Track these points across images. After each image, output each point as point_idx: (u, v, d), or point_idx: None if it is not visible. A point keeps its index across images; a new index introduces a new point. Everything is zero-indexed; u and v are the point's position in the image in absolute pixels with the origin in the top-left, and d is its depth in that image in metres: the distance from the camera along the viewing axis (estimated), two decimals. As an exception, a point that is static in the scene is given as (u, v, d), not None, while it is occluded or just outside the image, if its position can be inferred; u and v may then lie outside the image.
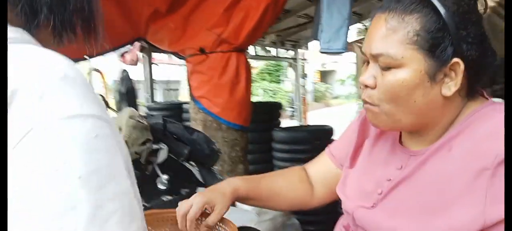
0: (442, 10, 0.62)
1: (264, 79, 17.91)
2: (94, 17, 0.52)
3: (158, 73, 4.14)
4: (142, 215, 0.42)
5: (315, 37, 2.03)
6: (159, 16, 2.23)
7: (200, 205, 0.79)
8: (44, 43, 0.49)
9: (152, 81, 3.80)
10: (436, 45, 0.62)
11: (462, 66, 0.62)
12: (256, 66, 17.09)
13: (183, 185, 1.61)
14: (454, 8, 0.62)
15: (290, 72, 6.40)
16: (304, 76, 6.99)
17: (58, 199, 0.34)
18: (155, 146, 1.38)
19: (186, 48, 2.28)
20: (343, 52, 1.95)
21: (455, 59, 0.62)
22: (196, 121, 2.36)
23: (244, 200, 0.90)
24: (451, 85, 0.64)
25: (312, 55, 10.12)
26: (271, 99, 15.59)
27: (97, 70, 4.22)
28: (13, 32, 0.41)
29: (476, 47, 0.63)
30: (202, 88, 2.26)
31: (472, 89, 0.68)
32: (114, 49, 2.48)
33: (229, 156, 2.36)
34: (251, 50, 5.50)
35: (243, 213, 1.96)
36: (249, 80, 2.34)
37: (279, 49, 5.62)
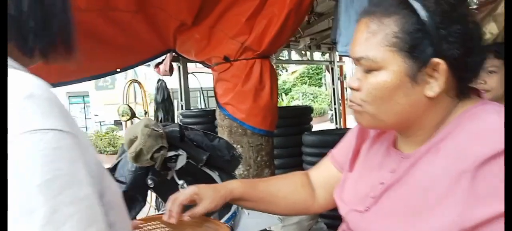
0: (420, 10, 0.61)
1: (304, 83, 17.81)
2: (72, 37, 0.58)
3: (202, 81, 4.29)
4: (104, 220, 0.47)
5: (334, 40, 2.02)
6: (185, 28, 2.34)
7: (188, 193, 0.85)
8: (31, 61, 0.56)
9: (187, 89, 3.95)
10: (415, 46, 0.62)
11: (443, 66, 0.62)
12: (295, 70, 17.05)
13: (204, 190, 1.68)
14: (433, 8, 0.62)
15: (328, 76, 6.32)
16: (345, 78, 6.89)
17: (18, 204, 0.40)
18: (171, 153, 1.45)
19: (212, 57, 2.36)
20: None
21: (436, 59, 0.62)
22: (222, 127, 2.43)
23: (240, 201, 0.93)
24: (435, 85, 0.63)
25: (352, 56, 9.91)
26: (311, 103, 15.47)
27: (136, 81, 4.48)
28: None
29: (458, 46, 0.61)
30: (227, 95, 2.33)
31: (462, 89, 0.67)
32: (145, 61, 2.62)
33: (255, 161, 2.41)
34: (285, 54, 5.54)
35: (265, 217, 1.99)
36: (274, 86, 2.37)
37: (315, 53, 5.59)
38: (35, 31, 0.52)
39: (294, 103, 15.26)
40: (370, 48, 0.65)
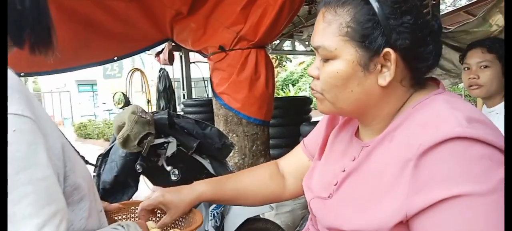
0: (372, 1, 0.63)
1: (311, 74, 17.67)
2: (52, 32, 0.62)
3: (205, 70, 4.30)
4: (63, 200, 0.50)
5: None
6: (181, 17, 2.36)
7: (153, 203, 0.88)
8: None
9: (188, 79, 3.98)
10: (366, 36, 0.63)
11: (393, 55, 0.63)
12: (303, 61, 16.93)
13: (195, 177, 1.70)
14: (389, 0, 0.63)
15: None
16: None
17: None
18: (160, 140, 1.48)
19: (208, 47, 2.38)
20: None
21: (387, 49, 0.63)
22: (218, 116, 2.46)
23: (211, 201, 0.95)
24: (387, 75, 0.64)
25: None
26: (318, 94, 15.35)
27: (139, 70, 4.51)
28: None
29: (407, 36, 0.62)
30: (222, 85, 2.35)
31: (417, 79, 0.68)
32: (143, 49, 2.65)
33: (250, 150, 2.44)
34: (288, 45, 5.52)
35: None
36: (269, 76, 2.38)
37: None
38: (32, 26, 0.56)
39: (301, 94, 15.20)
40: (326, 37, 0.66)
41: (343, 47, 0.65)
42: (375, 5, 0.62)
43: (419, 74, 0.68)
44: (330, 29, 0.66)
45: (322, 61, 0.69)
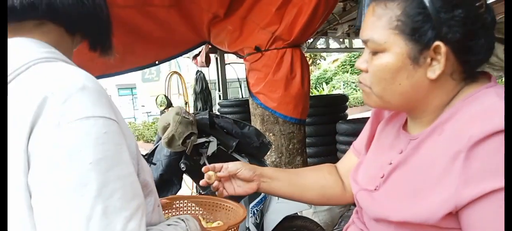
0: None
1: (346, 71, 17.41)
2: (110, 33, 0.67)
3: (240, 71, 4.37)
4: (142, 195, 0.55)
5: (358, 26, 2.00)
6: (218, 20, 2.42)
7: (235, 168, 0.94)
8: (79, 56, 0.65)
9: (224, 80, 4.07)
10: (416, 29, 0.64)
11: (443, 48, 0.63)
12: (337, 58, 16.68)
13: (235, 175, 1.76)
14: None
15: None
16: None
17: (73, 178, 0.47)
18: (202, 140, 1.55)
19: (244, 48, 2.43)
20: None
21: (437, 42, 0.63)
22: (255, 116, 2.50)
23: (269, 180, 0.96)
24: (436, 68, 0.65)
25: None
26: (353, 92, 15.09)
27: (176, 72, 4.66)
28: (49, 53, 0.57)
29: (458, 29, 0.63)
30: (258, 85, 2.39)
31: (468, 73, 0.68)
32: (182, 53, 2.75)
33: (287, 148, 2.46)
34: (322, 43, 5.47)
35: (296, 203, 2.05)
36: (305, 74, 2.39)
37: (355, 40, 5.47)
38: (87, 26, 0.62)
39: (335, 92, 15.00)
40: (375, 31, 0.68)
41: (393, 40, 0.66)
42: (430, 1, 0.63)
43: (470, 68, 0.68)
44: (380, 23, 0.68)
45: (371, 54, 0.70)
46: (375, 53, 0.69)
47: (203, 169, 0.95)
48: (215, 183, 0.94)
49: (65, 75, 0.53)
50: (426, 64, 0.65)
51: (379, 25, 0.67)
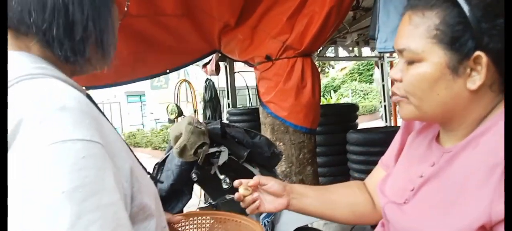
0: (462, 3, 0.62)
1: (354, 80, 17.35)
2: (104, 44, 0.60)
3: (249, 79, 4.36)
4: (130, 225, 0.50)
5: (372, 36, 1.99)
6: (229, 29, 2.43)
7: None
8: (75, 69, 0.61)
9: (233, 88, 4.07)
10: (456, 39, 0.63)
11: (484, 59, 0.62)
12: (345, 66, 16.65)
13: (245, 185, 1.75)
14: (476, 1, 0.62)
15: (377, 72, 6.13)
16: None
17: (44, 209, 0.42)
18: (213, 149, 1.54)
19: (254, 57, 2.43)
20: (401, 52, 1.86)
21: (477, 52, 0.62)
22: (265, 125, 2.49)
23: (299, 196, 0.93)
24: (476, 79, 0.63)
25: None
26: (362, 100, 15.02)
27: (186, 81, 4.68)
28: (38, 68, 0.53)
29: (500, 39, 0.61)
30: (269, 94, 2.38)
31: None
32: (193, 61, 2.76)
33: (297, 158, 2.44)
34: (331, 51, 5.46)
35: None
36: (315, 84, 2.38)
37: (364, 48, 5.45)
38: (59, 39, 0.55)
39: (343, 100, 14.95)
40: (412, 40, 0.66)
41: (431, 50, 0.65)
42: (466, 8, 0.62)
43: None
44: (417, 32, 0.66)
45: (406, 64, 0.69)
46: (411, 62, 0.68)
47: (236, 182, 0.93)
48: (249, 197, 0.91)
49: (45, 94, 0.49)
50: (465, 74, 0.64)
51: (417, 34, 0.66)
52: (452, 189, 0.65)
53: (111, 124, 0.68)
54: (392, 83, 0.75)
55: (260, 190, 0.93)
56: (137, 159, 0.70)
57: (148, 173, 0.83)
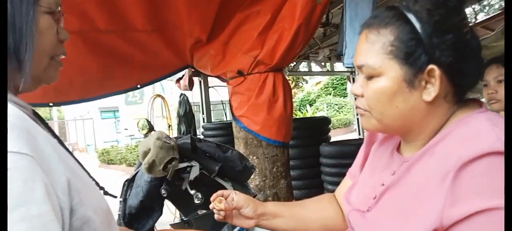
0: (414, 21, 0.67)
1: (328, 94, 17.68)
2: (19, 56, 0.59)
3: (224, 94, 4.35)
4: None
5: (340, 52, 2.06)
6: (200, 45, 2.45)
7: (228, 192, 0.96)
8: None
9: (208, 103, 4.07)
10: (410, 54, 0.67)
11: (437, 71, 0.66)
12: (320, 81, 16.95)
13: (217, 200, 1.74)
14: (426, 18, 0.66)
15: (350, 85, 6.27)
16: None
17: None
18: (184, 164, 1.53)
19: (226, 72, 2.45)
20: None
21: (431, 66, 0.66)
22: (238, 139, 2.50)
23: (271, 217, 0.96)
24: (431, 90, 0.68)
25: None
26: (336, 113, 15.30)
27: (160, 96, 4.64)
28: None
29: (451, 53, 0.66)
30: (242, 108, 2.40)
31: (459, 96, 0.71)
32: (165, 77, 2.74)
33: (271, 171, 2.45)
34: (304, 66, 5.56)
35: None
36: (287, 98, 2.42)
37: (336, 63, 5.59)
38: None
39: (319, 114, 15.17)
40: (370, 56, 0.71)
41: (388, 65, 0.69)
42: (417, 25, 0.67)
43: (462, 90, 0.71)
44: (374, 48, 0.70)
45: (365, 79, 0.73)
46: (370, 77, 0.72)
47: (213, 196, 0.96)
48: (222, 213, 0.95)
49: None
50: (421, 87, 0.68)
51: (373, 51, 0.70)
52: (409, 197, 0.68)
53: (58, 137, 0.68)
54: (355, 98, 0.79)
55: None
56: (88, 173, 0.70)
57: (101, 188, 0.82)
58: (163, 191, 1.54)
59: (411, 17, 0.67)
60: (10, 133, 0.49)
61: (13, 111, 0.53)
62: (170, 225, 1.82)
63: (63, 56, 0.69)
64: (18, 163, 0.48)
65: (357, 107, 0.77)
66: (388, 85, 0.69)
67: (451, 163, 0.60)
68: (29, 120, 0.57)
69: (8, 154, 0.47)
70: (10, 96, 0.58)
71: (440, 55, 0.65)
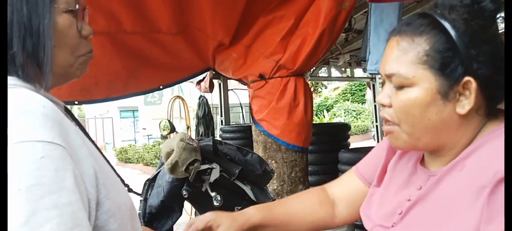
0: (451, 30, 0.64)
1: (346, 100, 17.51)
2: (39, 58, 0.59)
3: (243, 97, 4.35)
4: (88, 226, 0.52)
5: (363, 58, 2.04)
6: (223, 48, 2.46)
7: (205, 220, 0.89)
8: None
9: (227, 105, 4.10)
10: (446, 64, 0.64)
11: (474, 84, 0.63)
12: (338, 86, 16.82)
13: (236, 203, 1.74)
14: (463, 29, 0.64)
15: (369, 92, 6.21)
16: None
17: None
18: (205, 166, 1.54)
19: (248, 75, 2.46)
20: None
21: (467, 78, 0.64)
22: (257, 142, 2.50)
23: (259, 228, 0.94)
24: (466, 103, 0.65)
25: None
26: (354, 120, 15.12)
27: (180, 97, 4.69)
28: (10, 80, 0.57)
29: (487, 65, 0.63)
30: (262, 112, 2.40)
31: (491, 108, 0.68)
32: (187, 78, 2.77)
33: (289, 176, 2.44)
34: (324, 71, 5.53)
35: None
36: (308, 103, 2.41)
37: (356, 69, 5.55)
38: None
39: (336, 120, 15.04)
40: (402, 65, 0.67)
41: (422, 75, 0.66)
42: (453, 34, 0.64)
43: (494, 103, 0.68)
44: (406, 57, 0.67)
45: (394, 89, 0.70)
46: (400, 87, 0.68)
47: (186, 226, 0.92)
48: None
49: (14, 99, 0.52)
50: (455, 99, 0.66)
51: (406, 60, 0.67)
52: (439, 212, 0.66)
53: (87, 133, 0.70)
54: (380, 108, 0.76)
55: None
56: (114, 170, 0.71)
57: (126, 185, 0.84)
58: (184, 192, 1.55)
59: (448, 26, 0.64)
60: (44, 123, 0.51)
61: (47, 103, 0.54)
62: (188, 225, 1.84)
63: (90, 53, 0.70)
64: (52, 152, 0.49)
65: (385, 120, 0.73)
66: (421, 96, 0.66)
67: (486, 178, 0.58)
68: (62, 114, 0.59)
69: (42, 144, 0.49)
70: (43, 92, 0.60)
71: (478, 68, 0.63)
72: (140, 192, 1.75)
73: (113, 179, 0.64)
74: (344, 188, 0.98)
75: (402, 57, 0.67)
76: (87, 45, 0.69)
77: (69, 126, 0.57)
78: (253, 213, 0.94)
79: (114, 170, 0.72)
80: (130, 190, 1.00)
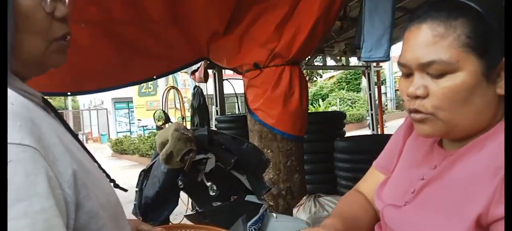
0: (485, 13, 0.63)
1: (342, 88, 17.53)
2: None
3: (237, 87, 4.33)
4: None
5: (357, 45, 2.03)
6: (217, 37, 2.44)
7: None
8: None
9: (222, 95, 4.08)
10: (487, 46, 0.63)
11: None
12: (333, 75, 16.82)
13: (232, 192, 1.74)
14: (495, 11, 0.63)
15: (364, 81, 6.22)
16: (383, 83, 6.66)
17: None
18: (200, 156, 1.53)
19: (243, 64, 2.44)
20: (385, 60, 1.91)
21: (504, 59, 0.63)
22: (253, 132, 2.49)
23: None
24: (502, 84, 0.64)
25: (393, 61, 9.66)
26: (349, 109, 15.17)
27: (174, 87, 4.66)
28: None
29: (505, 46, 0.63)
30: (257, 101, 2.39)
31: None
32: (180, 68, 2.75)
33: (285, 165, 2.45)
34: (319, 60, 5.51)
35: (293, 221, 2.01)
36: (303, 92, 2.40)
37: (351, 58, 5.53)
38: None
39: (331, 108, 15.08)
40: (442, 51, 0.64)
41: (465, 58, 0.63)
42: (489, 18, 0.63)
43: None
44: (445, 42, 0.64)
45: (432, 78, 0.66)
46: (441, 75, 0.65)
47: None
48: None
49: None
50: (495, 81, 0.65)
51: (445, 44, 0.64)
52: (454, 191, 0.65)
53: (69, 127, 0.65)
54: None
55: None
56: (98, 165, 0.67)
57: (112, 180, 0.79)
58: (180, 183, 1.55)
59: (482, 10, 0.63)
60: (12, 123, 0.46)
61: (16, 99, 0.50)
62: (184, 216, 1.84)
63: (67, 37, 0.62)
64: (20, 155, 0.45)
65: (415, 111, 0.69)
66: (467, 80, 0.63)
67: (503, 158, 0.58)
68: (35, 109, 0.54)
69: (9, 146, 0.44)
70: (16, 83, 0.54)
71: (505, 47, 0.62)
72: (136, 184, 1.74)
73: (95, 176, 0.60)
74: (371, 185, 0.94)
75: (440, 43, 0.64)
76: (61, 28, 0.60)
77: (42, 123, 0.52)
78: (336, 226, 0.80)
79: (99, 166, 0.68)
80: (116, 186, 0.96)
